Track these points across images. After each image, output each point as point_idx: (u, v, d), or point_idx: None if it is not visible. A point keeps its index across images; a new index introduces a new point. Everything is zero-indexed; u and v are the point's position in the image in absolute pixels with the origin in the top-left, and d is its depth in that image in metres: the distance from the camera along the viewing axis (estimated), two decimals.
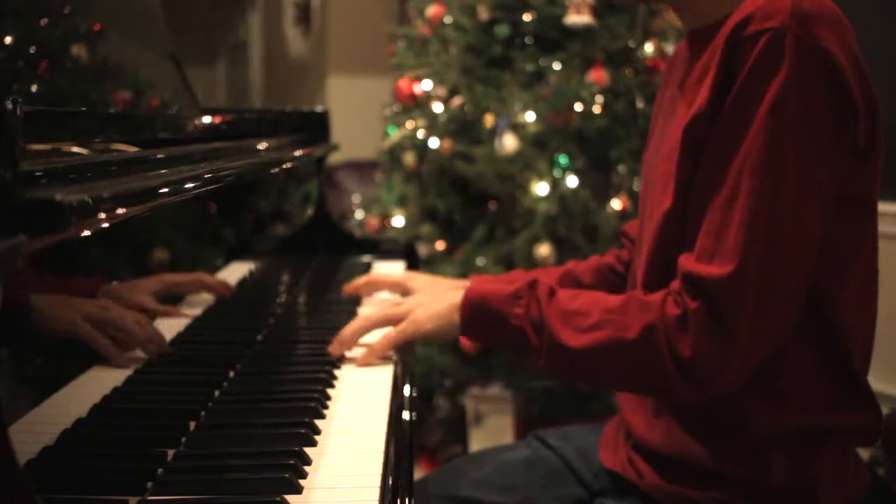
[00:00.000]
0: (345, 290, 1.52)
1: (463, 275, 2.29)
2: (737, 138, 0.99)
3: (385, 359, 1.22)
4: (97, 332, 0.85)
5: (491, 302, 1.15)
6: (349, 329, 1.23)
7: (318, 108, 2.05)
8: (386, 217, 2.79)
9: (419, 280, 1.48)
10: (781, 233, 0.99)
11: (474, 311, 1.16)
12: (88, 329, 0.83)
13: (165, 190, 0.87)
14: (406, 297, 1.44)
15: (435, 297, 1.22)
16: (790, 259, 1.00)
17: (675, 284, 1.04)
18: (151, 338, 0.99)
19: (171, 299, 1.09)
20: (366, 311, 1.46)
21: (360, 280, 1.51)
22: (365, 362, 1.21)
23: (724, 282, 0.98)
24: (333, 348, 1.23)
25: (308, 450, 0.90)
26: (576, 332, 1.07)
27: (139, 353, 0.94)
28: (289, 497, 0.80)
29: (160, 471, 0.84)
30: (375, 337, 1.23)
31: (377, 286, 1.52)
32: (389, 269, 1.78)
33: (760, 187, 0.98)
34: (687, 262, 1.03)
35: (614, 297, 1.09)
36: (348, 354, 1.24)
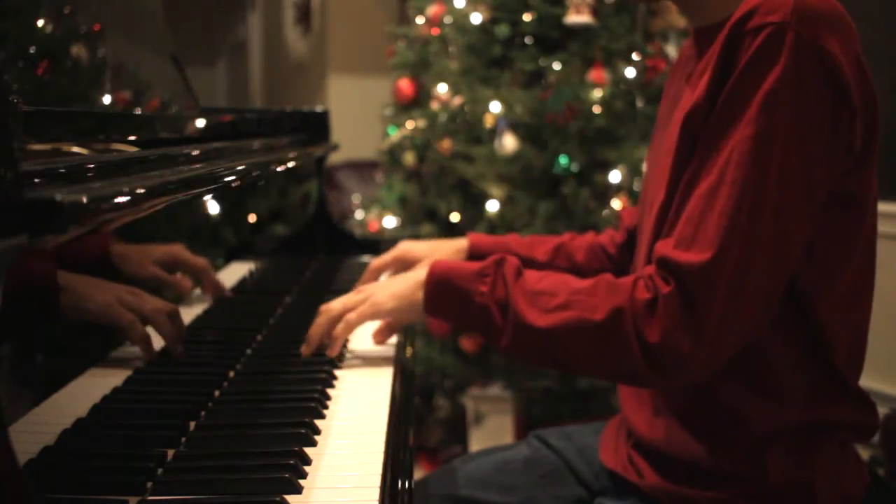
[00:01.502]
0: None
1: None
2: (728, 129, 0.99)
3: (385, 358, 1.22)
4: (136, 319, 0.84)
5: (455, 279, 1.12)
6: (313, 328, 1.21)
7: (318, 108, 2.05)
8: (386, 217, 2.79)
9: (418, 248, 1.46)
10: (761, 227, 0.98)
11: (438, 289, 1.14)
12: (125, 314, 0.83)
13: (165, 190, 0.87)
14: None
15: (398, 278, 1.21)
16: (768, 254, 0.99)
17: (648, 269, 1.03)
18: (177, 333, 0.99)
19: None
20: None
21: (365, 276, 1.49)
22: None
23: (700, 269, 0.98)
24: (303, 349, 1.20)
25: (308, 450, 0.90)
26: (542, 312, 1.05)
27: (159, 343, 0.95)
28: (289, 497, 0.80)
29: (160, 471, 0.84)
30: (369, 329, 1.23)
31: (381, 270, 1.49)
32: None
33: (745, 179, 0.97)
34: (664, 247, 1.02)
35: (584, 280, 1.08)
36: (348, 356, 1.24)
